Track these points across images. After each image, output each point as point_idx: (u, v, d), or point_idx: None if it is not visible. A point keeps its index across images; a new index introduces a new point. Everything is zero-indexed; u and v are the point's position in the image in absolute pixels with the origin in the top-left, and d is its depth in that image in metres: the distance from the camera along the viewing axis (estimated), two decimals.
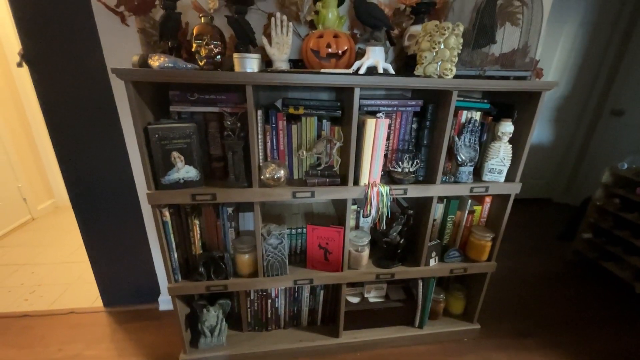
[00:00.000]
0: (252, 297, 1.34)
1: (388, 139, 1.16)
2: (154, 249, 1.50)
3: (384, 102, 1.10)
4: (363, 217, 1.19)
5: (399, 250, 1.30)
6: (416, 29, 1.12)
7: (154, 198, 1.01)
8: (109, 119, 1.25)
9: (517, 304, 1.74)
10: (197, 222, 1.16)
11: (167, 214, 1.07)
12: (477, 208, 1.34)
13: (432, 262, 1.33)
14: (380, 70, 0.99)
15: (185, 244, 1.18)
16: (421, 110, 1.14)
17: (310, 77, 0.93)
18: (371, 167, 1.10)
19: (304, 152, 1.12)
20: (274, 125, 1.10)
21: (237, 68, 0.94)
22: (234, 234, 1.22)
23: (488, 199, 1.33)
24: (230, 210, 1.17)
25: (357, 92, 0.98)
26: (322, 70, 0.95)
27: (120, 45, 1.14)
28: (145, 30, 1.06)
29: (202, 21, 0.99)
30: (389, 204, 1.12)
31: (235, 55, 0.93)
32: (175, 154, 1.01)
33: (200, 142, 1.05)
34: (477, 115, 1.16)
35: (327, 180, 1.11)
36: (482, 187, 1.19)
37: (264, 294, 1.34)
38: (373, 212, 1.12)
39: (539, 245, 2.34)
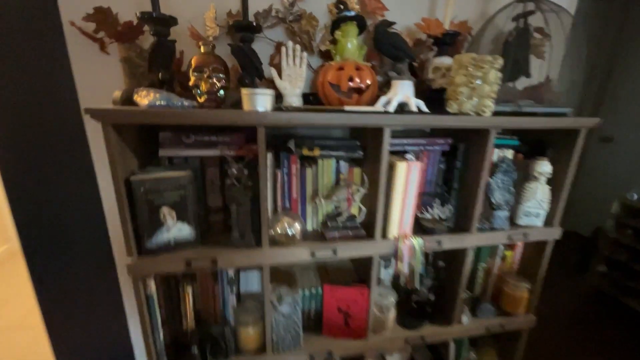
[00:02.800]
0: None
1: None
2: (132, 320, 1.23)
3: (410, 141, 0.97)
4: (394, 275, 1.02)
5: (428, 308, 1.12)
6: (441, 61, 1.01)
7: (136, 269, 0.79)
8: (79, 163, 1.03)
9: (540, 351, 1.58)
10: (189, 289, 0.93)
11: (152, 285, 0.85)
12: (508, 253, 1.20)
13: (464, 319, 1.16)
14: (413, 108, 0.86)
15: (174, 319, 0.94)
16: (450, 148, 1.02)
17: (336, 116, 0.78)
18: (402, 216, 0.94)
19: (322, 200, 0.95)
20: (285, 169, 0.92)
21: (246, 106, 0.78)
22: (235, 299, 1.00)
23: (520, 244, 1.20)
24: (231, 272, 0.96)
25: (387, 133, 0.83)
26: (347, 108, 0.81)
27: (99, 77, 0.95)
28: (130, 60, 0.88)
29: (202, 50, 0.84)
30: (423, 259, 0.96)
31: (244, 91, 0.77)
32: (165, 209, 0.81)
33: (196, 192, 0.85)
34: (509, 154, 1.05)
35: (350, 232, 0.94)
36: (520, 234, 1.05)
37: None
38: (405, 269, 0.95)
39: (552, 277, 2.23)
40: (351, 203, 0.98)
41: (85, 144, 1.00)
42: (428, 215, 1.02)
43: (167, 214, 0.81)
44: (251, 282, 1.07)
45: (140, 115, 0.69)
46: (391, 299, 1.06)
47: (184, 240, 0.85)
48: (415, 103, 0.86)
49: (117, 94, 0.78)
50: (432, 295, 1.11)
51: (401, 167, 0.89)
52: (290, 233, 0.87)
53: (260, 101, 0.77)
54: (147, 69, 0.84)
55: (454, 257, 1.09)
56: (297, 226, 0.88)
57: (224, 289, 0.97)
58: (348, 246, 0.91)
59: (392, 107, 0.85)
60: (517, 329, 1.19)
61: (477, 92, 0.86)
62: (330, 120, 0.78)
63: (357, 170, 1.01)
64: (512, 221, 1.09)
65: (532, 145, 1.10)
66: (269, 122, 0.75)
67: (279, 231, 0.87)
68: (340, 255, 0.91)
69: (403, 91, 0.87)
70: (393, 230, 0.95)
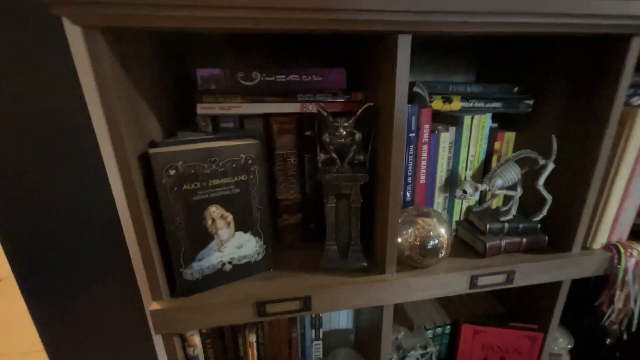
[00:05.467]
0: None
1: None
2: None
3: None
4: (603, 311, 0.60)
5: (617, 353, 0.71)
6: None
7: (167, 321, 0.42)
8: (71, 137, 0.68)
9: None
10: (253, 339, 0.57)
11: (196, 340, 0.49)
12: None
13: None
14: None
15: None
16: None
17: None
18: (620, 210, 0.53)
19: (474, 189, 0.54)
20: (412, 134, 0.53)
21: None
22: (320, 350, 0.63)
23: None
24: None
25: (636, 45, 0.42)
26: None
27: None
28: None
29: None
30: None
31: None
32: (214, 210, 0.44)
33: (266, 179, 0.48)
34: None
35: (524, 240, 0.53)
36: None
37: None
38: (629, 303, 0.53)
39: None
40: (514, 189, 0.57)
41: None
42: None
43: (219, 218, 0.44)
44: (334, 315, 0.70)
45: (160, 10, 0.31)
46: (566, 344, 0.65)
47: (247, 262, 0.48)
48: None
49: None
50: (625, 334, 0.69)
51: None
52: (431, 245, 0.48)
53: None
54: None
55: None
56: (443, 233, 0.49)
57: (305, 335, 0.60)
58: (529, 268, 0.51)
59: None
60: None
61: None
62: None
63: (509, 136, 0.60)
64: None
65: None
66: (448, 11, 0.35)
67: (411, 244, 0.48)
68: (518, 282, 0.51)
69: None
70: (601, 238, 0.54)
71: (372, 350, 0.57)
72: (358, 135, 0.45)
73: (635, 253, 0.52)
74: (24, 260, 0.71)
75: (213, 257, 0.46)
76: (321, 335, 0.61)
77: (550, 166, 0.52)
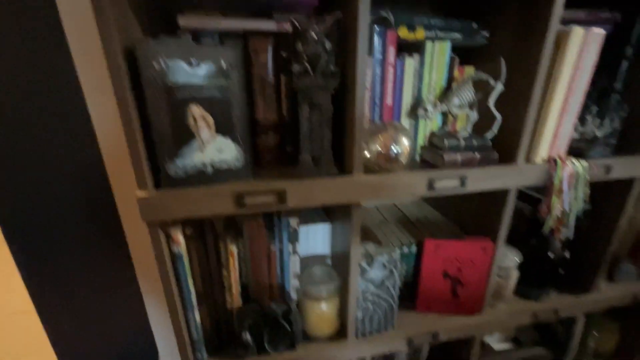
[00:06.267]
0: None
1: None
2: (151, 298, 0.93)
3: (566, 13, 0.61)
4: (541, 216, 0.68)
5: (560, 269, 0.80)
6: None
7: (154, 208, 0.46)
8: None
9: None
10: (234, 249, 0.62)
11: (180, 238, 0.53)
12: None
13: (601, 284, 0.85)
14: None
15: (213, 292, 0.63)
16: (615, 29, 0.66)
17: None
18: (559, 126, 0.61)
19: (433, 105, 0.60)
20: (379, 56, 0.58)
21: None
22: (298, 265, 0.68)
23: None
24: (294, 223, 0.64)
25: None
26: None
27: None
28: None
29: None
30: (586, 193, 0.63)
31: None
32: (195, 109, 0.47)
33: (244, 89, 0.52)
34: None
35: (478, 155, 0.60)
36: None
37: None
38: (566, 206, 0.62)
39: None
40: (470, 112, 0.64)
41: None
42: (577, 132, 0.69)
43: (200, 117, 0.48)
44: (312, 242, 0.75)
45: None
46: (514, 258, 0.74)
47: (227, 168, 0.52)
48: None
49: None
50: (567, 252, 0.79)
51: (576, 36, 0.54)
52: (394, 152, 0.54)
53: None
54: None
55: (605, 194, 0.76)
56: (405, 142, 0.55)
57: (282, 249, 0.66)
58: (479, 174, 0.58)
59: None
60: None
61: None
62: None
63: (469, 70, 0.66)
64: None
65: None
66: None
67: (379, 148, 0.54)
68: (470, 186, 0.58)
69: None
70: (542, 152, 0.62)
71: (344, 260, 0.63)
72: (328, 44, 0.49)
73: (570, 165, 0.60)
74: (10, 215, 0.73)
75: (195, 157, 0.49)
76: (298, 249, 0.67)
77: (499, 87, 0.59)
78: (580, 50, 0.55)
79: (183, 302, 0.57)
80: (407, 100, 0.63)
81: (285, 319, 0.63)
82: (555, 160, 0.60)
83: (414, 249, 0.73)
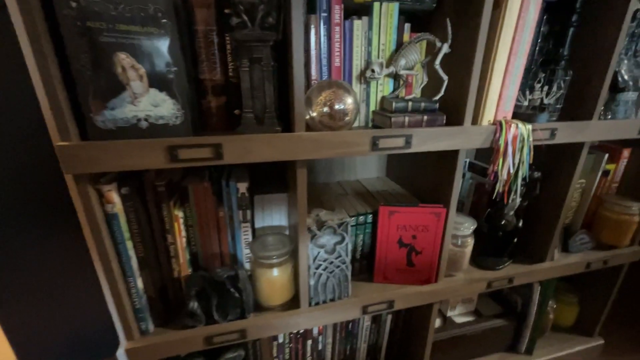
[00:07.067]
0: (281, 341, 0.79)
1: None
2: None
3: None
4: (488, 180, 0.69)
5: (514, 239, 0.82)
6: None
7: (78, 160, 0.44)
8: None
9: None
10: (180, 215, 0.60)
11: (114, 197, 0.51)
12: (611, 167, 0.90)
13: (555, 254, 0.87)
14: None
15: (158, 259, 0.61)
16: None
17: None
18: (502, 89, 0.61)
19: (380, 67, 0.60)
20: (324, 14, 0.57)
21: None
22: (250, 234, 0.67)
23: (626, 154, 0.89)
24: (243, 187, 0.63)
25: None
26: None
27: None
28: None
29: None
30: (530, 156, 0.64)
31: None
32: (123, 58, 0.45)
33: (181, 38, 0.50)
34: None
35: (425, 117, 0.60)
36: None
37: (301, 333, 0.80)
38: (511, 169, 0.63)
39: None
40: (420, 75, 0.64)
41: None
42: (525, 99, 0.70)
43: (129, 68, 0.46)
44: (270, 214, 0.74)
45: None
46: (470, 226, 0.75)
47: (164, 123, 0.50)
48: None
49: None
50: (521, 222, 0.81)
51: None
52: (339, 107, 0.53)
53: None
54: None
55: (555, 162, 0.77)
56: (349, 101, 0.54)
57: (232, 215, 0.64)
58: (426, 134, 0.58)
59: None
60: (621, 263, 0.92)
61: None
62: None
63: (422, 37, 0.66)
64: None
65: None
66: None
67: (322, 109, 0.53)
68: (416, 147, 0.58)
69: None
70: (488, 114, 0.63)
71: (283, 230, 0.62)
72: None
73: (514, 128, 0.61)
74: None
75: (127, 110, 0.47)
76: (249, 216, 0.65)
77: (445, 48, 0.59)
78: (519, 10, 0.55)
79: (122, 268, 0.55)
80: (357, 63, 0.63)
81: (234, 285, 0.62)
82: (501, 123, 0.61)
83: (369, 218, 0.73)
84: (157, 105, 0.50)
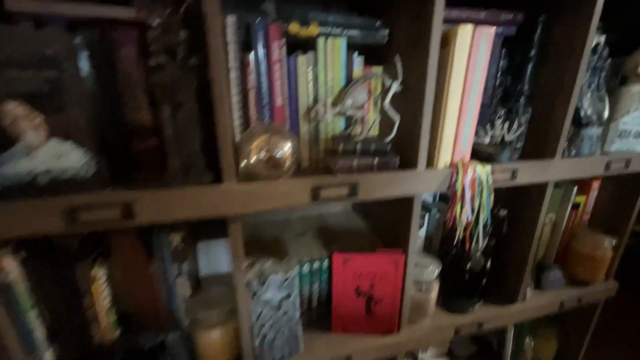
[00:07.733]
0: None
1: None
2: None
3: (466, 13, 0.59)
4: (447, 226, 0.64)
5: (483, 280, 0.77)
6: None
7: None
8: None
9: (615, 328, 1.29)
10: (100, 272, 0.53)
11: (8, 264, 0.43)
12: (581, 199, 0.87)
13: (528, 293, 0.82)
14: None
15: (73, 326, 0.53)
16: (519, 30, 0.65)
17: None
18: (458, 129, 0.57)
19: (326, 107, 0.56)
20: (263, 50, 0.52)
21: None
22: (189, 286, 0.60)
23: (596, 185, 0.87)
24: (177, 238, 0.56)
25: None
26: None
27: None
28: None
29: None
30: (491, 200, 0.59)
31: None
32: (10, 107, 0.39)
33: (99, 78, 0.44)
34: (602, 40, 0.70)
35: (375, 159, 0.55)
36: (622, 162, 0.71)
37: None
38: (466, 217, 0.58)
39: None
40: (367, 113, 0.60)
41: None
42: (486, 136, 0.66)
43: (23, 117, 0.40)
44: (216, 258, 0.67)
45: None
46: (434, 269, 0.70)
47: (70, 177, 0.44)
48: None
49: None
50: (489, 262, 0.76)
51: (464, 34, 0.51)
52: (277, 154, 0.48)
53: None
54: None
55: (521, 200, 0.74)
56: (288, 146, 0.49)
57: (166, 269, 0.57)
58: (374, 180, 0.53)
59: None
60: (596, 300, 0.87)
61: None
62: None
63: (376, 70, 0.63)
64: None
65: (623, 32, 0.76)
66: None
67: (257, 155, 0.48)
68: (364, 195, 0.53)
69: None
70: (445, 156, 0.58)
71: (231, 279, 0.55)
72: (182, 33, 0.43)
73: (471, 171, 0.57)
74: None
75: (21, 164, 0.41)
76: (188, 271, 0.59)
77: (395, 86, 0.55)
78: (470, 48, 0.52)
79: (25, 346, 0.47)
80: (304, 101, 0.58)
81: (168, 351, 0.54)
82: (457, 166, 0.57)
83: (326, 263, 0.67)
84: (60, 157, 0.43)
